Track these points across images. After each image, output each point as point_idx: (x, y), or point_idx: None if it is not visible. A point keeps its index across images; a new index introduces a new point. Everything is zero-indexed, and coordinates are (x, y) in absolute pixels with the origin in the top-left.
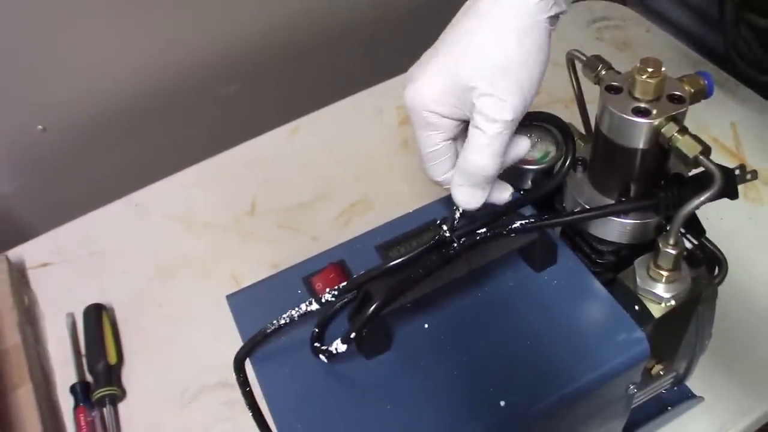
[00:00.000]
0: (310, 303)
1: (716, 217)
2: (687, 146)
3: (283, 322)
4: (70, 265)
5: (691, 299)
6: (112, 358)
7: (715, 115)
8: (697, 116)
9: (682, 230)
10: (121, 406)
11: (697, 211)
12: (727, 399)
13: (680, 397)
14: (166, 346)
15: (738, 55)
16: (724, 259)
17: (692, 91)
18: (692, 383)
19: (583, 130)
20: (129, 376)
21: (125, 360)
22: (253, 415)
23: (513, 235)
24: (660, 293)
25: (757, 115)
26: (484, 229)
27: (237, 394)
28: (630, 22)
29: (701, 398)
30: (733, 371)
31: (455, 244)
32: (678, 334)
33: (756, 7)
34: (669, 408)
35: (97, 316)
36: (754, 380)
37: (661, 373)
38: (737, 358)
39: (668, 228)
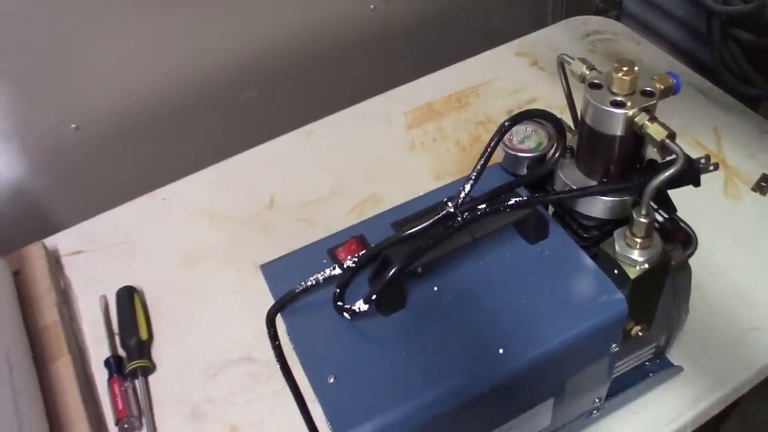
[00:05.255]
0: (334, 268)
1: (698, 211)
2: (655, 131)
3: (310, 284)
4: (102, 253)
5: (662, 264)
6: (144, 334)
7: (699, 120)
8: (682, 121)
9: (655, 206)
10: (152, 379)
11: (681, 206)
12: (704, 372)
13: (661, 367)
14: (193, 326)
15: (726, 69)
16: (694, 234)
17: (662, 87)
18: (673, 359)
19: (572, 125)
20: (158, 352)
21: (154, 338)
22: (281, 366)
23: (509, 210)
24: (635, 258)
25: (737, 120)
26: (485, 205)
27: (259, 367)
28: (622, 35)
29: (680, 368)
30: (711, 349)
31: (459, 218)
32: (653, 297)
33: (742, 23)
34: (650, 375)
35: (129, 296)
36: (729, 356)
37: (640, 334)
38: (715, 337)
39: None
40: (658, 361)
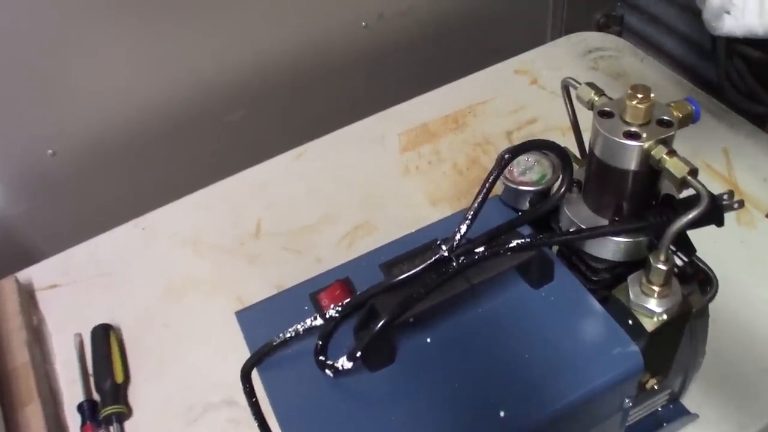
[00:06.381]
0: (315, 318)
1: (710, 240)
2: (675, 167)
3: (288, 335)
4: (78, 287)
5: (682, 314)
6: (119, 377)
7: (707, 142)
8: (689, 143)
9: (673, 248)
10: (128, 424)
11: (691, 235)
12: (721, 417)
13: (675, 414)
14: (173, 365)
15: (731, 85)
16: (715, 277)
17: (680, 116)
18: (687, 402)
19: (578, 154)
20: (135, 395)
21: (132, 379)
22: (258, 425)
23: (510, 253)
24: (652, 308)
25: (746, 140)
26: (482, 248)
27: (241, 412)
28: (624, 52)
29: (696, 415)
30: (726, 390)
31: (455, 263)
32: (671, 348)
33: (748, 38)
34: (664, 425)
35: (105, 335)
36: (747, 399)
37: (656, 387)
38: (731, 377)
39: (659, 245)
40: (671, 406)
